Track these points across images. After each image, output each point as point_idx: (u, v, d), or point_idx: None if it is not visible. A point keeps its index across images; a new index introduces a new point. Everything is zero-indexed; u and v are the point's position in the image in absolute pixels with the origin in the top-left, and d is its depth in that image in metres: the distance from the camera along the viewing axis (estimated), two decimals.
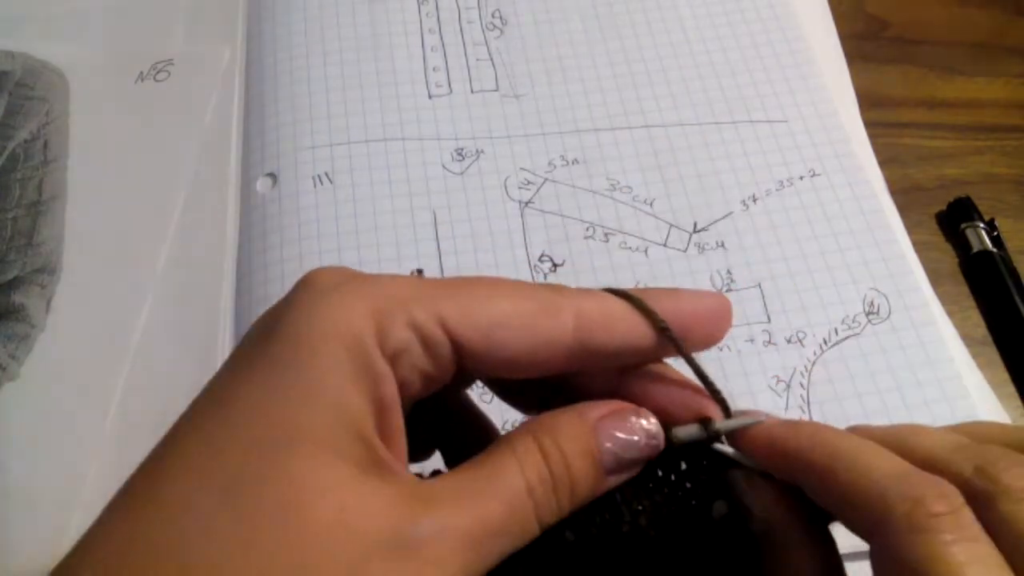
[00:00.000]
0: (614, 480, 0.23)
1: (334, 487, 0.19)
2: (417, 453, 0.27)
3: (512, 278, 0.24)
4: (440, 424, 0.28)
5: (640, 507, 0.24)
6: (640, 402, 0.24)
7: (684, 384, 0.25)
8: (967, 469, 0.21)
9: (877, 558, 0.20)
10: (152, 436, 0.21)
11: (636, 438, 0.23)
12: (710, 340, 0.24)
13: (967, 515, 0.19)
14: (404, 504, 0.20)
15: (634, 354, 0.24)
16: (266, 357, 0.20)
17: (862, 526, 0.21)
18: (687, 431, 0.24)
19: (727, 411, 0.25)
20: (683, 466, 0.24)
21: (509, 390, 0.27)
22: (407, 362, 0.21)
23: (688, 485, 0.24)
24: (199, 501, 0.18)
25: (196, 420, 0.20)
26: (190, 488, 0.18)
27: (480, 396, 0.29)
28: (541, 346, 0.22)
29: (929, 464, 0.21)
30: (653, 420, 0.23)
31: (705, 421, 0.24)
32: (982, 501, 0.20)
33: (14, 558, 0.37)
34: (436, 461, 0.28)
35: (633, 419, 0.23)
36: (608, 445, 0.22)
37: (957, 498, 0.20)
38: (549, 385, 0.25)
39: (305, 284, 0.22)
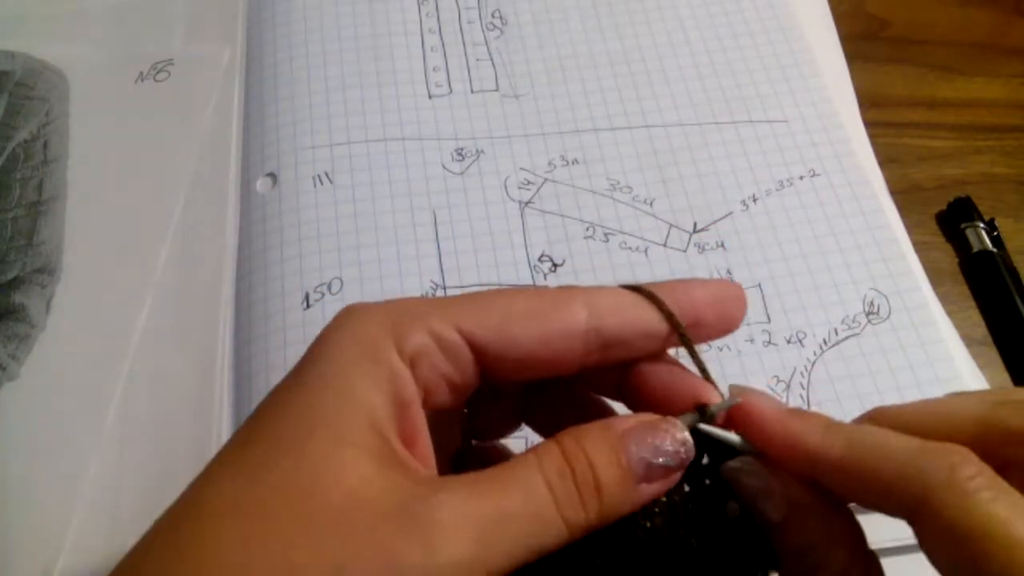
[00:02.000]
0: (650, 489, 0.23)
1: (347, 468, 0.20)
2: None
3: (525, 286, 0.25)
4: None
5: (656, 509, 0.24)
6: (643, 395, 0.25)
7: (684, 374, 0.25)
8: (970, 426, 0.22)
9: (927, 531, 0.21)
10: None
11: (665, 445, 0.23)
12: (725, 327, 0.25)
13: (989, 471, 0.20)
14: (416, 486, 0.20)
15: (645, 342, 0.24)
16: (296, 370, 0.22)
17: (902, 507, 0.21)
18: (686, 419, 0.24)
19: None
20: (700, 465, 0.24)
21: (538, 420, 0.28)
22: (427, 364, 0.22)
23: (704, 484, 0.25)
24: (230, 487, 0.20)
25: (238, 430, 0.22)
26: (223, 478, 0.21)
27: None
28: (555, 337, 0.23)
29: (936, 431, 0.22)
30: (682, 427, 0.23)
31: (702, 407, 0.24)
32: (992, 449, 0.21)
33: (14, 558, 0.37)
34: None
35: (662, 427, 0.23)
36: (636, 451, 0.23)
37: (976, 457, 0.21)
38: (571, 402, 0.26)
39: (336, 316, 0.23)
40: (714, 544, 0.24)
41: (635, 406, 0.26)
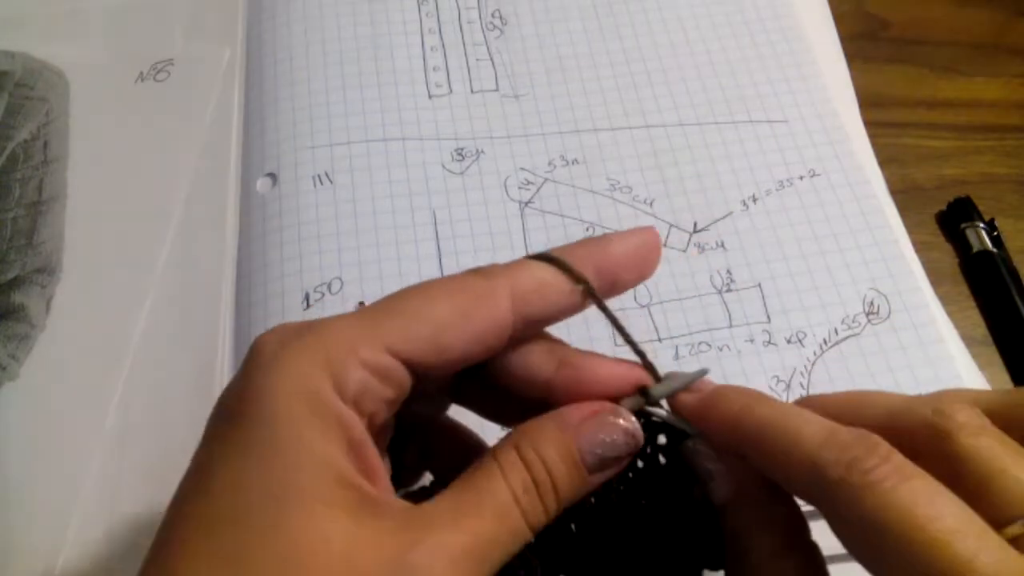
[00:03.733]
0: (601, 477, 0.24)
1: (330, 533, 0.20)
2: (408, 479, 0.29)
3: (443, 276, 0.24)
4: (427, 448, 0.29)
5: (617, 486, 0.24)
6: (581, 383, 0.25)
7: (618, 361, 0.26)
8: (926, 412, 0.22)
9: (832, 521, 0.21)
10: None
11: (616, 438, 0.24)
12: (642, 277, 0.25)
13: (898, 457, 0.20)
14: (401, 532, 0.20)
15: (568, 311, 0.25)
16: (237, 435, 0.21)
17: (807, 495, 0.21)
18: (629, 403, 0.25)
19: (654, 373, 0.25)
20: (653, 447, 0.25)
21: (480, 403, 0.28)
22: (369, 398, 0.22)
23: (662, 463, 0.25)
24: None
25: (186, 507, 0.21)
26: (199, 570, 0.19)
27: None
28: (485, 335, 0.23)
29: (891, 415, 0.23)
30: (631, 418, 0.24)
31: (643, 389, 0.25)
32: (943, 437, 0.21)
33: (14, 558, 0.37)
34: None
35: (611, 419, 0.24)
36: (588, 447, 0.23)
37: (884, 445, 0.20)
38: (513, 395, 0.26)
39: (252, 355, 0.22)
40: (678, 524, 0.25)
41: (563, 396, 0.26)
